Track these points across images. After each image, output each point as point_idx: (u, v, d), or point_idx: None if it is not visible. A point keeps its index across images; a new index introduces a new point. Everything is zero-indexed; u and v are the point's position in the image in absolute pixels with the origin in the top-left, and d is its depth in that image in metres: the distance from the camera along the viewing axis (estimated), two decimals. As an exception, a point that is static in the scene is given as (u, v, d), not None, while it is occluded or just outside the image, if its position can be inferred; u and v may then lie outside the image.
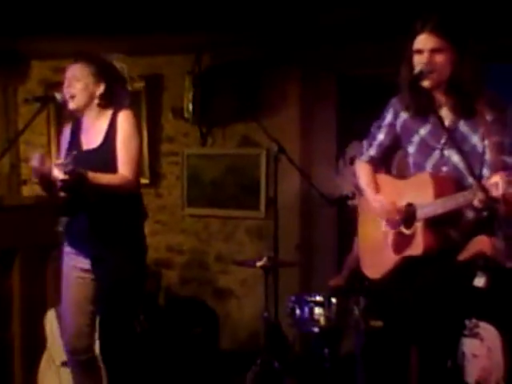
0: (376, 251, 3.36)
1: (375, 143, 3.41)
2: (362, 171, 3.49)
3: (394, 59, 3.20)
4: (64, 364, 3.97)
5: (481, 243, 3.02)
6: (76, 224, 3.67)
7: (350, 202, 5.98)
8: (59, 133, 6.40)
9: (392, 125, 3.32)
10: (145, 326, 4.94)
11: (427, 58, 3.00)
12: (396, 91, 3.27)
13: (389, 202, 3.25)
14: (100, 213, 3.59)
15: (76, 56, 3.71)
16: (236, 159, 6.05)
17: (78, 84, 3.61)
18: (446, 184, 3.06)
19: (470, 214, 3.01)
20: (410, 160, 3.29)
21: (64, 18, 5.01)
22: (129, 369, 3.68)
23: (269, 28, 5.33)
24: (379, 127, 3.38)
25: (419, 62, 3.02)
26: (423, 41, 3.02)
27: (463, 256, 3.04)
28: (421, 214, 3.08)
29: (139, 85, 6.14)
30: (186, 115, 5.97)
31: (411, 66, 3.06)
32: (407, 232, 3.16)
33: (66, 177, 3.26)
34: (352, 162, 4.89)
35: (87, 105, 3.67)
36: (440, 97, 3.10)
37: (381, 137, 3.38)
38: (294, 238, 5.82)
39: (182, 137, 6.26)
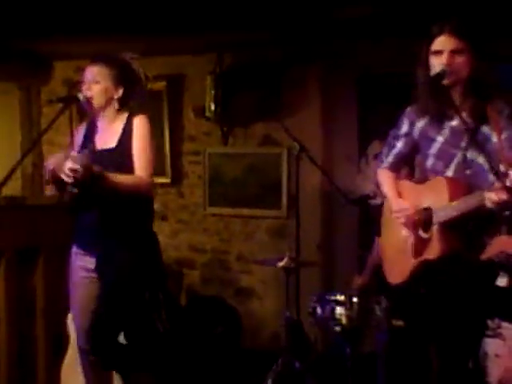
0: (397, 256, 3.35)
1: (394, 151, 3.45)
2: (384, 178, 3.52)
3: (415, 58, 3.21)
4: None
5: (503, 243, 3.01)
6: (85, 221, 3.69)
7: (371, 202, 5.98)
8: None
9: (409, 134, 3.34)
10: (166, 325, 4.95)
11: (447, 58, 3.02)
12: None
13: (408, 204, 3.25)
14: (110, 210, 3.61)
15: (95, 57, 3.72)
16: (257, 158, 6.05)
17: (96, 86, 3.65)
18: (462, 187, 3.04)
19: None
20: (429, 165, 3.27)
21: (85, 19, 5.04)
22: (127, 366, 3.70)
23: (289, 28, 5.33)
24: (396, 137, 3.42)
25: (438, 63, 3.04)
26: (443, 42, 3.05)
27: (485, 256, 3.02)
28: (436, 217, 3.08)
29: (161, 84, 6.16)
30: (207, 114, 5.98)
31: (428, 68, 3.09)
32: (425, 236, 3.16)
33: (78, 167, 3.29)
34: (376, 157, 4.88)
35: (104, 107, 3.71)
36: (458, 98, 3.09)
37: (399, 146, 3.42)
38: (316, 238, 5.82)
39: (203, 136, 6.27)
